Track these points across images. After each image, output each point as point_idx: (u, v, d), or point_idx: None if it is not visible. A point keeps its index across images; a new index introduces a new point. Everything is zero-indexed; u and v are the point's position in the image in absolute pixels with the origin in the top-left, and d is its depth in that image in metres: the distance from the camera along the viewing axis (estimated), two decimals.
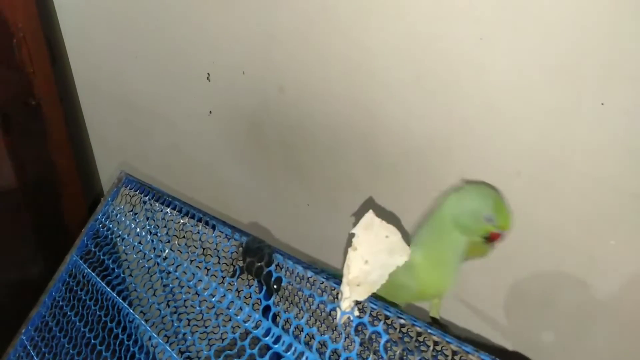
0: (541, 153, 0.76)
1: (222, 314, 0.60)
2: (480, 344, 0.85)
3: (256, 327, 0.56)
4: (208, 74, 1.27)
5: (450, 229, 0.69)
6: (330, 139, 1.06)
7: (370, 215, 0.57)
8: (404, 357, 0.46)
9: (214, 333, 0.62)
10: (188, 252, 0.69)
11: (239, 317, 0.58)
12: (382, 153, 0.96)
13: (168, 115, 1.45)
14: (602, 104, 0.68)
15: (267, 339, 0.54)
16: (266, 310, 0.58)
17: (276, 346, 0.53)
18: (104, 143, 1.81)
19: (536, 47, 0.72)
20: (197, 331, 0.62)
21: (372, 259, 0.55)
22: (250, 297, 0.59)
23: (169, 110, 1.44)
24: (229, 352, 0.59)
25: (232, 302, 0.60)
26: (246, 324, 0.57)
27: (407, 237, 0.57)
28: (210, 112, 1.32)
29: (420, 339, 0.47)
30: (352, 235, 0.56)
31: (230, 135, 1.30)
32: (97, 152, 1.87)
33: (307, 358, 0.51)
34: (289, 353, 0.52)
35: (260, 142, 1.22)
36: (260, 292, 0.63)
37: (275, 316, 0.57)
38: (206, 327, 0.63)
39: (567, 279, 0.79)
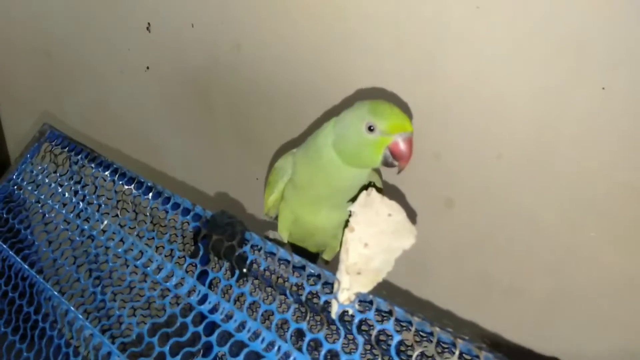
0: (528, 136, 0.72)
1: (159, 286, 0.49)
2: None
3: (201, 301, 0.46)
4: (148, 23, 1.11)
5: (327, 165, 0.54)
6: (290, 109, 0.95)
7: (369, 190, 0.48)
8: None
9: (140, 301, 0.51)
10: (118, 215, 0.57)
11: (191, 298, 0.48)
12: None
13: (96, 68, 1.27)
14: (603, 88, 0.64)
15: (213, 315, 0.45)
16: (202, 274, 0.48)
17: (253, 343, 0.43)
18: (13, 97, 1.57)
19: (538, 20, 0.66)
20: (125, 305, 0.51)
21: (372, 241, 0.46)
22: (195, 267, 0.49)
23: (98, 62, 1.25)
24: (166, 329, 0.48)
25: (180, 278, 0.49)
26: (190, 298, 0.47)
27: (412, 217, 0.49)
28: (148, 67, 1.16)
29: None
30: (349, 214, 0.47)
31: (169, 94, 1.15)
32: (3, 108, 1.62)
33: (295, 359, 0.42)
34: (271, 353, 0.42)
35: (205, 105, 1.09)
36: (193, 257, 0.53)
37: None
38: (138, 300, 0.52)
39: (540, 268, 0.76)
